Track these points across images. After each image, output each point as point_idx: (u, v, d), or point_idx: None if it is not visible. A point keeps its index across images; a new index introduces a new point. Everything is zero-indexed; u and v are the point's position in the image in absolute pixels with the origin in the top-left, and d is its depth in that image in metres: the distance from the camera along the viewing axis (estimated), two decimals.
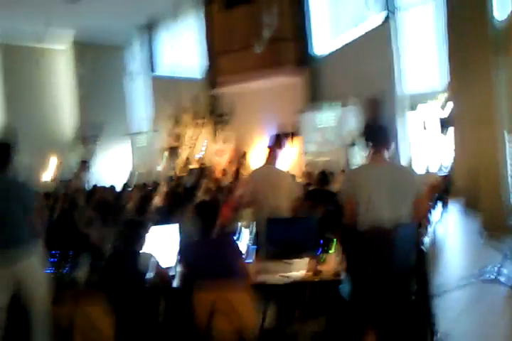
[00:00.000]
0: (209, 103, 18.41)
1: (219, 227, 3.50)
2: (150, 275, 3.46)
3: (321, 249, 3.95)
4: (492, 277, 5.91)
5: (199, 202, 4.66)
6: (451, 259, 7.27)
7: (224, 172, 17.43)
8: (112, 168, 20.18)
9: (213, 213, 3.45)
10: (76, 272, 3.88)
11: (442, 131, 13.50)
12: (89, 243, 4.44)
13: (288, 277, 3.59)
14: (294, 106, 15.97)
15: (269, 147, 5.21)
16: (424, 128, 14.26)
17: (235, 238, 4.17)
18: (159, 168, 19.27)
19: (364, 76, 14.18)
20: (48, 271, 3.74)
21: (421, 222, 3.84)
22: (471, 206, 10.02)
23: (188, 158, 18.14)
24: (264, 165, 5.15)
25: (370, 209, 3.46)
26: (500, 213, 8.12)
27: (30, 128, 17.71)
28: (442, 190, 10.32)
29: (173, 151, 18.66)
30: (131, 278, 3.30)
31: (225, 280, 3.10)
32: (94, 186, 15.59)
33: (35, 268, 3.51)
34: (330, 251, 3.99)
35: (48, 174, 19.13)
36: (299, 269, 3.74)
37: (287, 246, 4.11)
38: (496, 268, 6.13)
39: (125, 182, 15.81)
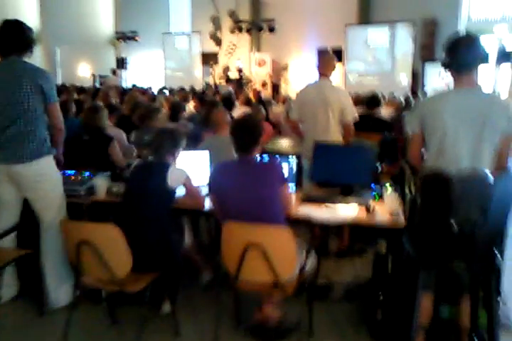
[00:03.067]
0: (253, 7, 17.28)
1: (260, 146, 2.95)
2: (180, 193, 3.08)
3: (372, 193, 3.35)
4: None
5: (238, 117, 4.12)
6: None
7: (264, 83, 16.77)
8: (149, 68, 19.63)
9: (254, 129, 2.85)
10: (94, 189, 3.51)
11: (499, 62, 12.45)
12: (109, 162, 3.99)
13: (339, 216, 3.09)
14: (342, 20, 14.90)
15: (326, 58, 4.47)
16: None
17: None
18: (197, 73, 18.62)
19: None
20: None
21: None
22: None
23: (227, 66, 17.36)
24: (317, 81, 4.49)
25: (445, 149, 2.70)
26: None
27: (69, 25, 17.13)
28: None
29: (213, 56, 17.88)
30: (158, 194, 2.88)
31: (261, 215, 2.68)
32: (134, 85, 15.25)
33: (46, 174, 3.18)
34: (385, 194, 3.36)
35: (87, 70, 18.70)
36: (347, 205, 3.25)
37: (335, 180, 3.53)
38: None
39: (163, 85, 15.37)
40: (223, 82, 16.45)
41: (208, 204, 3.17)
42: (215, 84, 15.85)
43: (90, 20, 19.00)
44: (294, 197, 3.25)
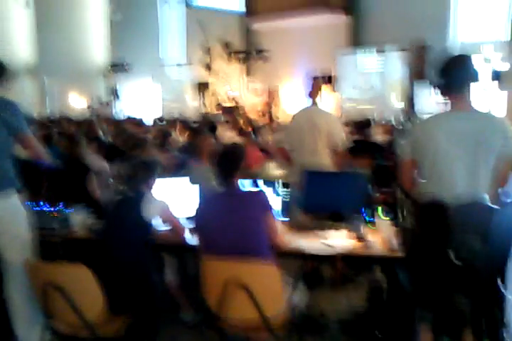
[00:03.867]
0: (246, 38, 17.39)
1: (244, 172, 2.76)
2: (160, 225, 2.88)
3: (365, 220, 3.18)
4: None
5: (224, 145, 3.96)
6: None
7: (260, 113, 16.70)
8: (142, 98, 19.64)
9: (236, 158, 2.67)
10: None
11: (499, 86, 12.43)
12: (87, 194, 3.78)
13: (331, 246, 2.90)
14: (334, 49, 14.98)
15: (314, 83, 4.46)
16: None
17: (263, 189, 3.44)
18: (191, 103, 18.59)
19: (414, 21, 13.34)
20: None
21: None
22: None
23: (221, 95, 17.34)
24: (307, 107, 4.45)
25: (439, 173, 2.56)
26: None
27: (60, 56, 17.21)
28: None
29: (207, 86, 17.88)
30: (133, 228, 2.67)
31: (246, 247, 2.49)
32: (128, 117, 15.13)
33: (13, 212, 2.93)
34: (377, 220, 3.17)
35: (79, 100, 18.65)
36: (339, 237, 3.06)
37: (326, 208, 3.37)
38: None
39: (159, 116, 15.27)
40: (215, 110, 16.38)
41: (189, 236, 2.97)
42: (206, 113, 15.78)
43: (82, 51, 19.03)
44: (280, 226, 3.05)
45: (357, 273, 4.16)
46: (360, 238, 2.91)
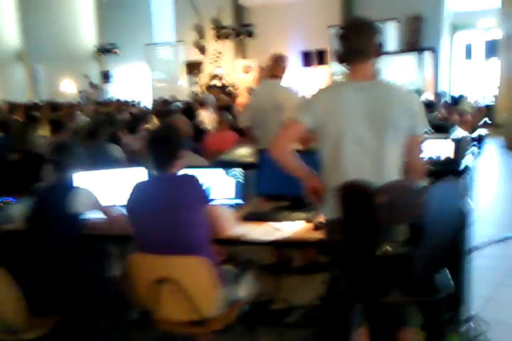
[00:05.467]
0: (235, 14, 16.95)
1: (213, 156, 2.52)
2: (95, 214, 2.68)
3: None
4: None
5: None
6: (486, 203, 6.35)
7: (249, 90, 16.37)
8: (134, 80, 19.30)
9: (171, 141, 2.43)
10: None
11: (487, 56, 12.08)
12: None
13: (279, 230, 2.68)
14: (326, 23, 14.57)
15: (277, 58, 4.24)
16: (469, 52, 12.87)
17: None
18: (182, 83, 18.26)
19: None
20: None
21: None
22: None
23: (213, 74, 17.00)
24: (266, 81, 4.23)
25: (342, 158, 2.20)
26: None
27: (50, 41, 16.88)
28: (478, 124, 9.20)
29: (198, 65, 17.54)
30: (59, 220, 2.46)
31: (179, 241, 2.27)
32: (118, 100, 14.85)
33: None
34: None
35: (71, 85, 18.35)
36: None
37: (284, 192, 3.08)
38: None
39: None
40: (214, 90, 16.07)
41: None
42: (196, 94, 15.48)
43: (71, 35, 18.67)
44: (232, 216, 2.82)
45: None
46: (317, 227, 2.64)
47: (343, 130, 2.19)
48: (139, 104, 12.64)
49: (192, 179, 2.43)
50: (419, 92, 12.49)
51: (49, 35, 17.00)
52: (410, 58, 13.21)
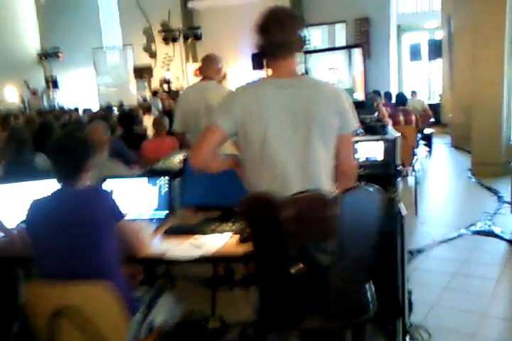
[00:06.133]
0: (184, 17, 16.71)
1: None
2: None
3: None
4: (485, 228, 4.98)
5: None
6: (436, 203, 6.31)
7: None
8: (81, 86, 18.74)
9: (75, 151, 2.15)
10: None
11: (431, 57, 12.23)
12: None
13: (204, 244, 2.45)
14: None
15: (203, 61, 4.05)
16: (415, 52, 13.03)
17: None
18: (132, 88, 17.86)
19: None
20: None
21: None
22: (462, 141, 9.00)
23: (163, 78, 16.69)
24: (196, 82, 4.04)
25: (265, 162, 2.00)
26: (495, 149, 7.12)
27: None
28: (428, 122, 9.26)
29: (148, 70, 17.19)
30: None
31: (84, 265, 2.03)
32: (61, 108, 14.35)
33: None
34: None
35: (14, 93, 17.62)
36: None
37: (211, 202, 2.86)
38: (488, 217, 5.23)
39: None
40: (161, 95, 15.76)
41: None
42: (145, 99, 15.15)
43: (13, 40, 17.94)
44: (151, 232, 2.57)
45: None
46: (244, 239, 2.42)
47: (267, 133, 1.98)
48: (76, 110, 12.14)
49: (99, 193, 2.18)
50: (350, 91, 12.42)
51: None
52: (340, 56, 13.19)
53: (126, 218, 2.23)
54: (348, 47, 13.29)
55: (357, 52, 13.07)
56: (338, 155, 2.06)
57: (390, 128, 3.46)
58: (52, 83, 17.78)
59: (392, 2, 13.36)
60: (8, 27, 17.71)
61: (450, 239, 4.73)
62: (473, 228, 4.99)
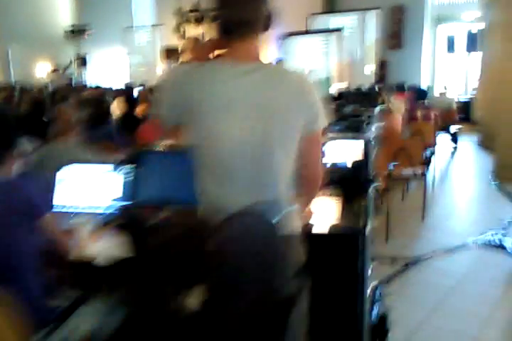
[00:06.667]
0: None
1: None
2: None
3: None
4: (495, 239, 4.58)
5: None
6: (448, 208, 5.90)
7: None
8: (111, 65, 18.68)
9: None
10: None
11: (469, 49, 11.62)
12: None
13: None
14: (307, 9, 14.03)
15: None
16: (451, 44, 12.40)
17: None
18: (159, 69, 17.66)
19: None
20: None
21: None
22: (487, 143, 8.48)
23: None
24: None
25: (208, 165, 1.68)
26: None
27: (23, 22, 16.26)
28: (454, 119, 8.79)
29: (177, 51, 16.94)
30: None
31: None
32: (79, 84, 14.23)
33: None
34: None
35: (44, 69, 17.66)
36: None
37: (160, 200, 2.45)
38: (502, 227, 4.81)
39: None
40: None
41: None
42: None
43: (46, 16, 17.99)
44: (87, 231, 2.31)
45: None
46: None
47: (213, 130, 1.62)
48: (98, 88, 11.94)
49: (16, 185, 1.93)
50: (327, 81, 11.74)
51: (22, 15, 16.34)
52: (317, 41, 12.34)
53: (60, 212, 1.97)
54: (326, 31, 12.72)
55: (334, 38, 12.26)
56: (302, 160, 1.70)
57: (376, 125, 2.96)
58: (82, 60, 17.68)
59: None
60: (40, 2, 17.72)
61: (454, 250, 4.36)
62: (482, 238, 4.60)
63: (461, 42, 12.08)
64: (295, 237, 1.68)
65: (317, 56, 12.58)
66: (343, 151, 2.46)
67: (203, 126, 1.64)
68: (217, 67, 1.67)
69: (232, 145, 1.62)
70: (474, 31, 11.50)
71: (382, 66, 12.99)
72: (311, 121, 1.66)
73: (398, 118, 5.59)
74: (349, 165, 2.42)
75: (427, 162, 5.79)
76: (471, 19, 11.94)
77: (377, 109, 4.85)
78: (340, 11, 13.86)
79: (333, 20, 13.79)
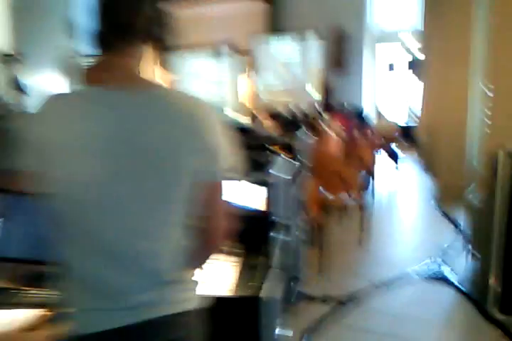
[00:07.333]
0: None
1: None
2: None
3: None
4: (434, 268, 4.34)
5: None
6: (388, 235, 5.63)
7: None
8: (47, 91, 17.96)
9: None
10: None
11: (413, 72, 11.72)
12: None
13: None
14: (250, 36, 14.05)
15: None
16: (391, 68, 12.56)
17: None
18: None
19: (332, 8, 12.48)
20: None
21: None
22: (429, 166, 8.37)
23: None
24: None
25: (81, 221, 1.19)
26: (458, 175, 6.46)
27: None
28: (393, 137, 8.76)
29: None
30: None
31: None
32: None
33: None
34: None
35: None
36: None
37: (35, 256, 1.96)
38: (438, 258, 4.57)
39: None
40: None
41: None
42: None
43: None
44: None
45: None
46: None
47: (72, 181, 1.16)
48: None
49: None
50: (220, 110, 11.05)
51: None
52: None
53: None
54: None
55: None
56: (200, 211, 1.24)
57: (281, 160, 2.51)
58: (18, 87, 16.93)
59: (367, 13, 12.86)
60: None
61: (392, 284, 4.06)
62: (420, 267, 4.34)
63: (401, 62, 12.28)
64: (190, 314, 1.26)
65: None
66: (244, 194, 2.07)
67: (55, 176, 1.18)
68: (83, 96, 1.21)
69: (94, 202, 1.17)
70: (413, 50, 11.68)
71: (327, 91, 12.94)
72: (208, 166, 1.21)
73: (332, 141, 5.31)
74: (251, 210, 2.04)
75: (364, 185, 5.54)
76: (409, 39, 12.12)
77: (300, 134, 4.53)
78: (280, 30, 13.78)
79: (275, 46, 13.84)
